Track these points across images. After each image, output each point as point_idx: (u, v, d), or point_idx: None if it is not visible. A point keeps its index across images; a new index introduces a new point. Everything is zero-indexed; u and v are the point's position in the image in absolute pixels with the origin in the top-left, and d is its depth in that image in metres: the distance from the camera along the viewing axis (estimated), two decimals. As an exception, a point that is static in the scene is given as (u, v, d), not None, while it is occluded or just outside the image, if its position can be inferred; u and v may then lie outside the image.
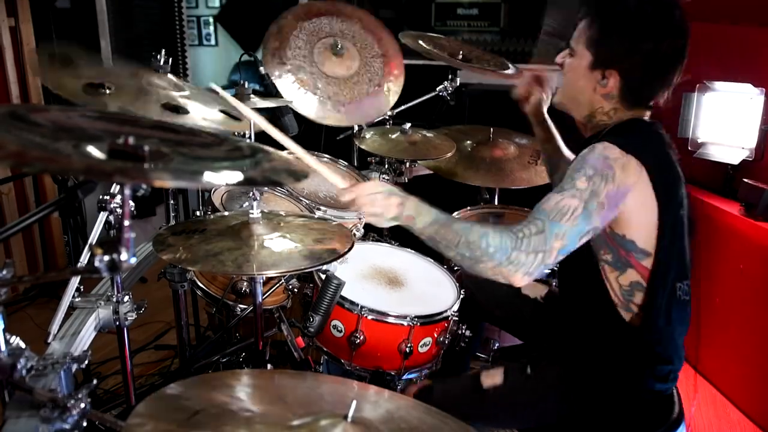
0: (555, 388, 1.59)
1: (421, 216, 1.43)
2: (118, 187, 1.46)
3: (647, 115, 1.56)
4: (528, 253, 1.32)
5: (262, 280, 1.79)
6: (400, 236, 2.71)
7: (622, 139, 1.43)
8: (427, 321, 1.84)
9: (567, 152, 1.94)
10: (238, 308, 2.16)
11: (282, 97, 2.37)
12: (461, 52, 2.68)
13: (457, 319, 1.92)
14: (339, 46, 2.51)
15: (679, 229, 1.50)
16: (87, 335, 1.58)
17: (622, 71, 1.48)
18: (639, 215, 1.43)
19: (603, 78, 1.50)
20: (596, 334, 1.56)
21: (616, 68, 1.48)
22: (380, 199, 1.42)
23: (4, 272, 1.01)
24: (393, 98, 2.60)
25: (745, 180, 2.53)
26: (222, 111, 1.82)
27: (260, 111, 2.23)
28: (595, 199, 1.36)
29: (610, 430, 1.56)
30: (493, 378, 1.65)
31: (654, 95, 1.52)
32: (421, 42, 2.64)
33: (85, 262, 1.61)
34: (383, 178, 2.67)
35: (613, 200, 1.38)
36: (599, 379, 1.54)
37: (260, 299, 1.79)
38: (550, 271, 2.26)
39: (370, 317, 1.80)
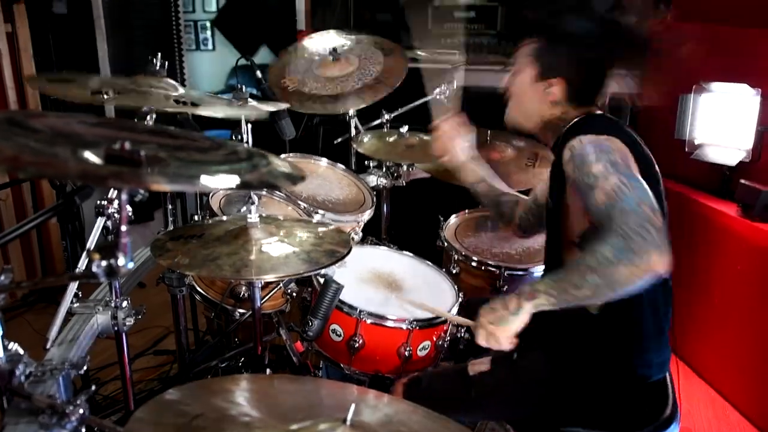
0: (540, 375, 1.59)
1: (537, 284, 1.37)
2: (116, 192, 1.46)
3: (597, 111, 1.65)
4: (638, 234, 1.23)
5: (260, 285, 1.79)
6: (399, 239, 2.71)
7: (590, 127, 1.50)
8: (426, 324, 1.84)
9: (504, 186, 2.10)
10: (236, 313, 2.16)
11: (279, 101, 2.38)
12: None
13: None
14: (336, 51, 2.55)
15: (660, 204, 1.48)
16: (85, 341, 1.58)
17: (566, 77, 1.59)
18: None
19: (549, 86, 1.61)
20: (576, 322, 1.56)
21: (560, 75, 1.59)
22: (498, 301, 1.41)
23: (2, 278, 1.01)
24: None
25: (742, 181, 2.53)
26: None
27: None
28: (620, 166, 1.38)
29: (599, 421, 1.56)
30: (479, 366, 1.66)
31: (596, 94, 1.63)
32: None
33: (83, 267, 1.61)
34: (381, 181, 2.67)
35: (629, 162, 1.41)
36: (583, 366, 1.54)
37: (259, 304, 1.78)
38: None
39: (369, 321, 1.80)
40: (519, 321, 1.37)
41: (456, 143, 2.04)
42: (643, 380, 1.55)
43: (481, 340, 1.43)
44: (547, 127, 1.67)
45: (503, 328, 1.38)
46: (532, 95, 1.64)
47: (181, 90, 1.77)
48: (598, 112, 1.64)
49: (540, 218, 1.94)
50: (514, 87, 1.69)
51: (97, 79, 1.68)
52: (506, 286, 2.24)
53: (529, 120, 1.69)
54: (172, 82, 1.83)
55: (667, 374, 1.62)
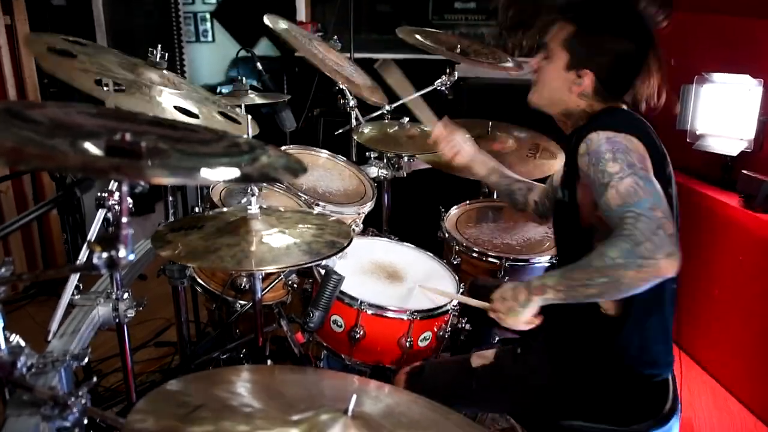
0: (544, 370, 1.59)
1: (546, 278, 1.41)
2: (116, 184, 1.45)
3: (623, 107, 1.61)
4: (649, 239, 1.24)
5: (261, 276, 1.79)
6: (400, 231, 2.71)
7: (606, 123, 1.46)
8: (427, 315, 1.84)
9: (512, 174, 2.08)
10: (237, 304, 2.16)
11: (279, 93, 2.37)
12: (459, 46, 2.68)
13: (457, 313, 1.92)
14: (335, 38, 2.56)
15: (671, 206, 1.49)
16: (87, 333, 1.57)
17: (597, 70, 1.55)
18: None
19: (578, 77, 1.57)
20: (581, 322, 1.57)
21: (591, 67, 1.55)
22: (509, 291, 1.46)
23: (3, 270, 1.01)
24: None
25: (744, 171, 2.53)
26: (221, 113, 1.81)
27: (257, 107, 2.24)
28: (637, 167, 1.36)
29: (599, 414, 1.56)
30: (483, 358, 1.67)
31: (625, 91, 1.59)
32: (418, 36, 2.64)
33: (84, 259, 1.61)
34: (382, 173, 2.67)
35: (646, 163, 1.38)
36: (587, 363, 1.55)
37: (260, 295, 1.79)
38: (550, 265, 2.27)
39: (369, 312, 1.80)
40: (528, 312, 1.42)
41: (458, 140, 2.03)
42: (648, 379, 1.55)
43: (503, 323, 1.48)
44: (569, 115, 1.64)
45: (514, 320, 1.43)
46: (561, 84, 1.60)
47: (181, 89, 1.76)
48: (623, 107, 1.60)
49: None
50: (542, 72, 1.64)
51: (100, 60, 1.66)
52: (507, 278, 2.25)
53: (553, 106, 1.65)
54: (173, 78, 1.81)
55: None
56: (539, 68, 1.65)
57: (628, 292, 1.28)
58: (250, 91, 2.24)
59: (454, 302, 1.91)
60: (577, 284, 1.33)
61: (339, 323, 1.84)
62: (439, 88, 2.80)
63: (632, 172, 1.34)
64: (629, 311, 1.48)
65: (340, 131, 2.81)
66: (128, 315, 1.62)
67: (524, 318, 1.43)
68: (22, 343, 1.10)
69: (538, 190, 2.03)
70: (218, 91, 4.88)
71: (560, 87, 1.60)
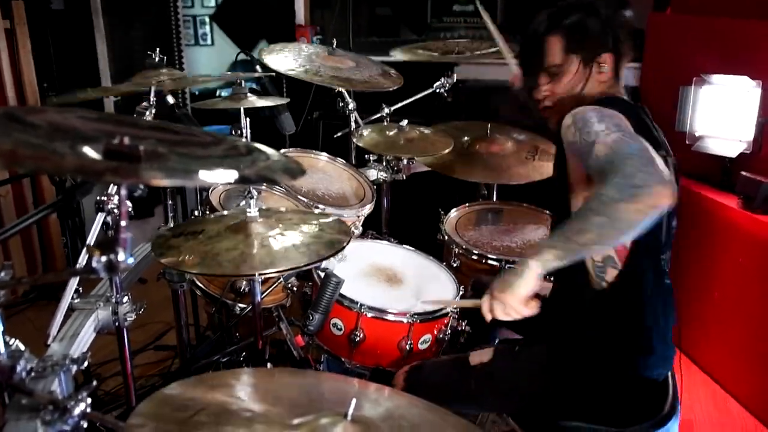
0: (541, 367, 1.58)
1: (542, 241, 1.43)
2: (115, 187, 1.45)
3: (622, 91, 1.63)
4: (641, 170, 1.19)
5: (260, 280, 1.79)
6: (399, 233, 2.71)
7: (602, 104, 1.46)
8: (427, 318, 1.84)
9: None
10: (237, 308, 2.16)
11: (279, 96, 2.37)
12: (456, 48, 2.70)
13: (456, 315, 1.92)
14: (333, 47, 2.57)
15: None
16: (86, 336, 1.57)
17: (612, 48, 1.57)
18: None
19: (600, 65, 1.58)
20: (579, 316, 1.57)
21: (605, 49, 1.57)
22: (509, 274, 1.35)
23: (3, 274, 1.01)
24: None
25: (743, 173, 2.53)
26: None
27: (257, 110, 2.24)
28: (623, 127, 1.35)
29: (598, 415, 1.56)
30: (481, 356, 1.66)
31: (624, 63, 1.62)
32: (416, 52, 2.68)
33: (84, 263, 1.61)
34: (381, 175, 2.67)
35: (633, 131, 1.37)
36: (585, 360, 1.54)
37: (259, 298, 1.79)
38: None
39: (369, 315, 1.80)
40: (526, 282, 1.30)
41: None
42: (646, 379, 1.55)
43: (498, 314, 1.36)
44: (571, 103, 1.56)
45: (511, 294, 1.31)
46: (585, 82, 1.59)
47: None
48: (622, 95, 1.62)
49: None
50: (559, 89, 1.61)
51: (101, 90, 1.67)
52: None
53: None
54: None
55: (670, 371, 1.62)
56: (552, 92, 1.62)
57: (628, 233, 1.20)
58: (249, 94, 2.24)
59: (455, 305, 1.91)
60: (573, 233, 1.25)
61: (339, 326, 1.84)
62: (438, 90, 2.81)
63: (618, 130, 1.32)
64: (628, 296, 1.48)
65: (340, 134, 2.82)
66: (128, 319, 1.62)
67: (523, 290, 1.30)
68: (22, 347, 1.10)
69: None
70: (217, 94, 4.89)
71: (585, 85, 1.60)
